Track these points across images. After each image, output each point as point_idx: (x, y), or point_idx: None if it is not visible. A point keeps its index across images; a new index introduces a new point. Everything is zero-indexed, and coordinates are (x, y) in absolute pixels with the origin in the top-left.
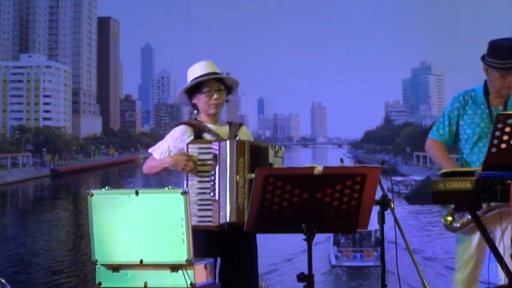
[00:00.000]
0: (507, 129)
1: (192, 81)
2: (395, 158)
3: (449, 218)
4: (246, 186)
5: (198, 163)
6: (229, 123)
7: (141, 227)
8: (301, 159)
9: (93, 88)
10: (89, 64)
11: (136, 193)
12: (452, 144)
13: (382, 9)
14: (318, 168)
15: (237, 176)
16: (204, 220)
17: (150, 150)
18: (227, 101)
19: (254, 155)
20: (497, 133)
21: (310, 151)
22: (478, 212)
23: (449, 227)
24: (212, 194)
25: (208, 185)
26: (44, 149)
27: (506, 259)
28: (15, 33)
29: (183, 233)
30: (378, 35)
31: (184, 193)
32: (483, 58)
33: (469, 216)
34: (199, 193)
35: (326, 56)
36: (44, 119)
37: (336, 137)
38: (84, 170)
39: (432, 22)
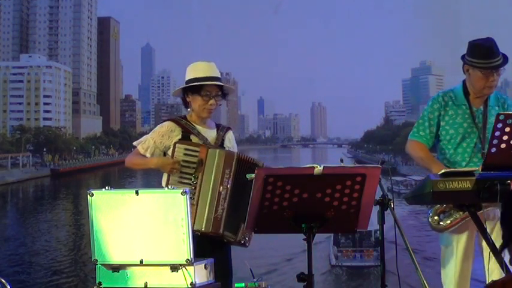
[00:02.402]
0: (507, 129)
1: (193, 82)
2: (395, 158)
3: (436, 218)
4: (228, 197)
5: (182, 164)
6: (218, 126)
7: (141, 227)
8: (301, 159)
9: (93, 88)
10: (89, 64)
11: (137, 193)
12: (433, 145)
13: (382, 9)
14: (318, 168)
15: (221, 187)
16: None
17: (134, 143)
18: (220, 104)
19: (244, 168)
20: (497, 133)
21: (310, 151)
22: (457, 215)
23: (436, 227)
24: (191, 198)
25: (187, 186)
26: (44, 149)
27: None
28: (15, 33)
29: (183, 233)
30: (378, 35)
31: (184, 193)
32: (463, 58)
33: (457, 216)
34: None
35: (326, 56)
36: (44, 119)
37: (336, 137)
38: (84, 170)
39: (432, 22)
